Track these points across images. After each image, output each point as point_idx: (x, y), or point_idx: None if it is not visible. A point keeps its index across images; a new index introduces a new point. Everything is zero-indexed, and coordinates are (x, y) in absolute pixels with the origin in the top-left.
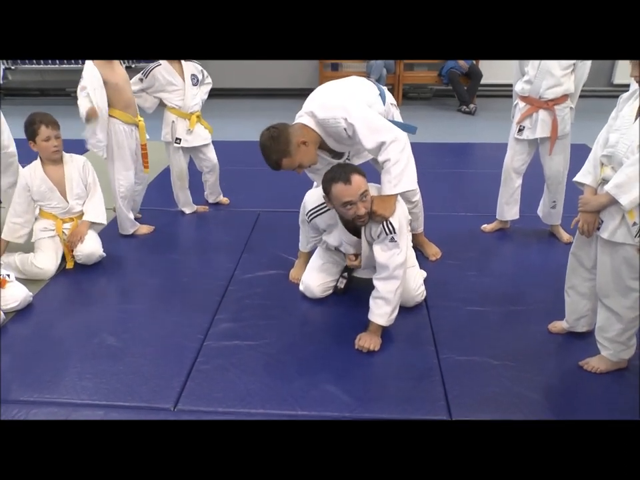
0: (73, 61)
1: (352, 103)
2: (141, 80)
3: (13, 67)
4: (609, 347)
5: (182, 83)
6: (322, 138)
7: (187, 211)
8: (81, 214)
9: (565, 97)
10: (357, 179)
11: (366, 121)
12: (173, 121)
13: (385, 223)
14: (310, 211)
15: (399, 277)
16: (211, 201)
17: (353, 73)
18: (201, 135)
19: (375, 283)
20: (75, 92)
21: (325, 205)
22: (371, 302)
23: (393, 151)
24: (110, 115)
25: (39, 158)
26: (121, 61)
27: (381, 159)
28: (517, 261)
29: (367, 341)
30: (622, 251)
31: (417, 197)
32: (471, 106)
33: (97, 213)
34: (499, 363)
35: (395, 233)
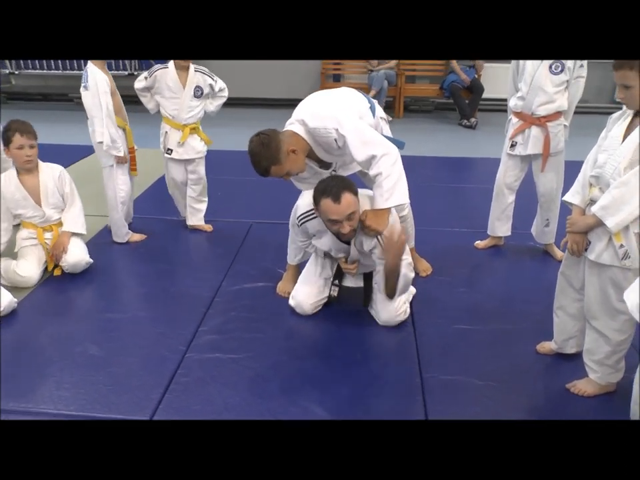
0: (75, 67)
1: (344, 114)
2: (145, 78)
3: (16, 72)
4: (596, 370)
5: (181, 91)
6: (311, 147)
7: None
8: (60, 222)
9: (557, 113)
10: (347, 198)
11: (358, 133)
12: (167, 132)
13: (378, 236)
14: (301, 215)
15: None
16: (189, 223)
17: (354, 84)
18: (194, 148)
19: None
20: (78, 97)
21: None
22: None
23: (385, 164)
24: None
25: (13, 166)
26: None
27: (372, 172)
28: (509, 278)
29: (372, 220)
30: (609, 273)
31: (406, 211)
32: (472, 120)
33: (76, 223)
34: (484, 383)
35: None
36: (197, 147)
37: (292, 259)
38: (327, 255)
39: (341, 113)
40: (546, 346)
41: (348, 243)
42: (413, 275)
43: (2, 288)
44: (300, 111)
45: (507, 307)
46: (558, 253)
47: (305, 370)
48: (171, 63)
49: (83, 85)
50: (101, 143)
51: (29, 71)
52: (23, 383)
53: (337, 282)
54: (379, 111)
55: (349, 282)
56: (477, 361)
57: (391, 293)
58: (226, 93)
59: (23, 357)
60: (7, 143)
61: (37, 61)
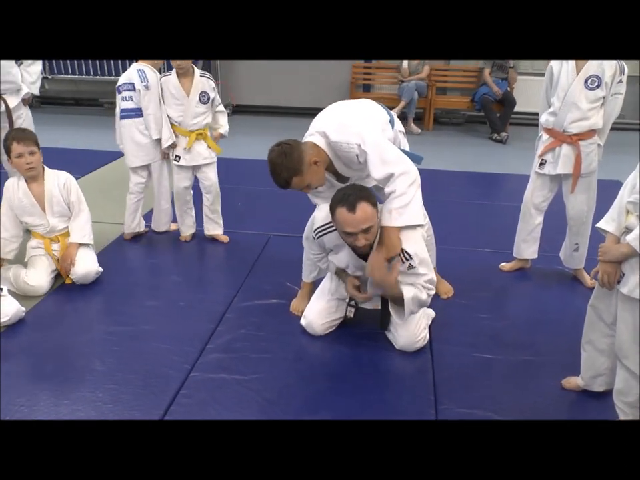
0: (106, 72)
1: (367, 129)
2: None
3: (50, 77)
4: (628, 413)
5: (185, 98)
6: (331, 160)
7: (184, 232)
8: (67, 232)
9: (591, 132)
10: (363, 209)
11: (379, 150)
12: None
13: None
14: (318, 228)
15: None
16: (207, 233)
17: (384, 94)
18: (201, 154)
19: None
20: (108, 102)
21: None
22: (384, 206)
23: (401, 183)
24: None
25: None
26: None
27: (387, 190)
28: (534, 305)
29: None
30: None
31: (426, 227)
32: (503, 134)
33: (84, 233)
34: (502, 419)
35: (412, 258)
36: (203, 152)
37: (306, 276)
38: (341, 274)
39: (364, 128)
40: (572, 381)
41: (366, 259)
42: (425, 296)
43: (10, 297)
44: (320, 123)
45: (532, 336)
46: (588, 279)
47: (312, 395)
48: (174, 71)
49: (143, 84)
50: (158, 139)
51: (62, 75)
52: (21, 396)
53: (353, 302)
54: (398, 124)
55: (366, 305)
56: (496, 394)
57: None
58: (223, 108)
59: (24, 370)
60: (8, 152)
61: (69, 66)
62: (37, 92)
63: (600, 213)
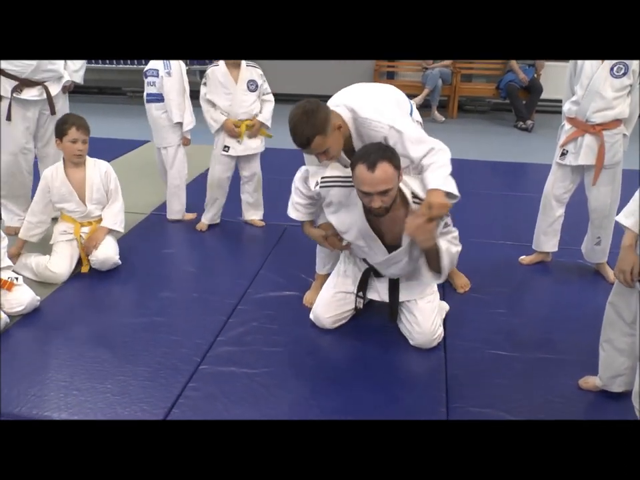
0: (128, 61)
1: (399, 113)
2: (205, 84)
3: None
4: None
5: (234, 86)
6: (351, 136)
7: (208, 221)
8: (100, 218)
9: (616, 121)
10: (384, 169)
11: (414, 130)
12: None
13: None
14: (327, 177)
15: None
16: (247, 217)
17: (408, 82)
18: (251, 145)
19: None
20: (131, 91)
21: (347, 178)
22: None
23: (442, 156)
24: None
25: (62, 159)
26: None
27: (426, 161)
28: (553, 300)
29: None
30: None
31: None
32: (528, 122)
33: (116, 220)
34: (515, 419)
35: (448, 216)
36: (252, 144)
37: (320, 268)
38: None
39: (395, 110)
40: (590, 381)
41: (375, 228)
42: (455, 249)
43: (25, 286)
44: (348, 97)
45: (549, 334)
46: (610, 274)
47: (322, 390)
48: (221, 61)
49: (165, 71)
50: (179, 123)
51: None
52: (31, 387)
53: (360, 294)
54: (416, 114)
55: (374, 295)
56: (510, 393)
57: (437, 271)
58: (272, 97)
59: (36, 360)
60: (62, 134)
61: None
62: (80, 80)
63: (625, 206)
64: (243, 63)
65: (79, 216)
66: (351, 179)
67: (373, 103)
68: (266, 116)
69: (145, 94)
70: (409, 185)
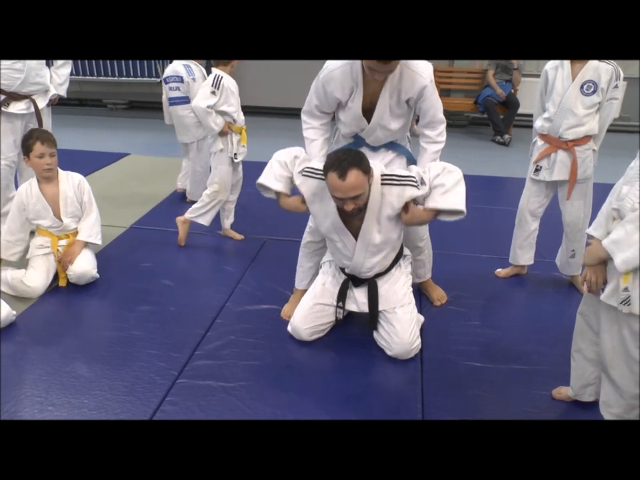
0: (109, 73)
1: None
2: (214, 93)
3: None
4: None
5: (237, 96)
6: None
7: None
8: (76, 231)
9: (587, 137)
10: (353, 176)
11: (440, 106)
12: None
13: (404, 180)
14: (310, 167)
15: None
16: (225, 226)
17: None
18: (246, 150)
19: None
20: (112, 103)
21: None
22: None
23: (444, 137)
24: None
25: (35, 176)
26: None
27: (436, 137)
28: (529, 312)
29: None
30: (623, 316)
31: (424, 242)
32: (506, 137)
33: (91, 232)
34: (488, 419)
35: (421, 181)
36: (246, 149)
37: (299, 282)
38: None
39: None
40: (563, 392)
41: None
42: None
43: (1, 301)
44: None
45: (524, 345)
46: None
47: (298, 403)
48: (221, 72)
49: (190, 77)
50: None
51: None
52: (5, 403)
53: (340, 304)
54: None
55: (352, 306)
56: (485, 403)
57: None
58: None
59: (11, 375)
60: (28, 151)
61: (72, 67)
62: (64, 94)
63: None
64: None
65: (56, 230)
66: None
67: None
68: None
69: (165, 97)
70: (377, 168)
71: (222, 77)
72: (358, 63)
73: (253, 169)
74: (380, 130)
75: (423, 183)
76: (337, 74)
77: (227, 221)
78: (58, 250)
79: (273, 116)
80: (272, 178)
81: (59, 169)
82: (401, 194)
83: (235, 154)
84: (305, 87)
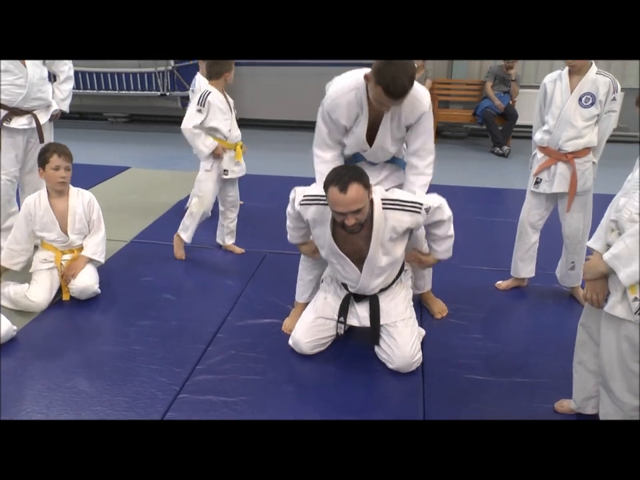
0: (110, 87)
1: None
2: (200, 111)
3: None
4: None
5: (229, 111)
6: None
7: (185, 238)
8: (81, 247)
9: (586, 150)
10: (354, 190)
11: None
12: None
13: (407, 205)
14: (308, 196)
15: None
16: (224, 243)
17: None
18: (244, 167)
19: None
20: (113, 116)
21: (323, 197)
22: (432, 245)
23: (432, 170)
24: None
25: (45, 188)
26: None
27: (424, 169)
28: (530, 324)
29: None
30: (624, 328)
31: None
32: (505, 148)
33: (97, 250)
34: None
35: (424, 205)
36: (243, 165)
37: (299, 296)
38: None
39: None
40: (565, 405)
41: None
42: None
43: (2, 316)
44: None
45: (526, 358)
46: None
47: (300, 417)
48: (210, 87)
49: (191, 89)
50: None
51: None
52: (9, 417)
53: (342, 319)
54: None
55: (354, 321)
56: (487, 416)
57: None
58: None
59: (11, 391)
60: (44, 163)
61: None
62: (66, 109)
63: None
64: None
65: (60, 245)
66: (324, 200)
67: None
68: None
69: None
70: (378, 193)
71: (208, 94)
72: (362, 88)
73: (252, 182)
74: (381, 151)
75: (427, 211)
76: (341, 101)
77: (227, 238)
78: (61, 264)
79: (269, 129)
80: (291, 235)
81: (71, 185)
82: (404, 219)
83: (225, 170)
84: (303, 100)
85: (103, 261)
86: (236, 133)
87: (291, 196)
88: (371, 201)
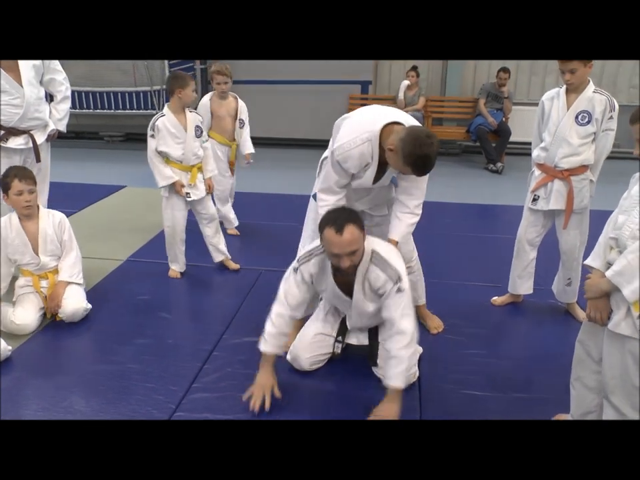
0: (106, 106)
1: None
2: (152, 136)
3: None
4: None
5: (184, 134)
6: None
7: (176, 268)
8: (56, 269)
9: (583, 167)
10: (350, 232)
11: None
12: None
13: (388, 267)
14: (303, 254)
15: (407, 331)
16: (216, 260)
17: None
18: (201, 187)
19: (383, 342)
20: (108, 136)
21: (319, 247)
22: (384, 364)
23: (420, 211)
24: (210, 136)
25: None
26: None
27: (413, 209)
28: (526, 340)
29: (385, 411)
30: (628, 345)
31: (414, 263)
32: (498, 164)
33: (72, 272)
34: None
35: (400, 280)
36: (201, 185)
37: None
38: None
39: None
40: (562, 419)
41: (349, 294)
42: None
43: None
44: (399, 116)
45: (523, 373)
46: (580, 314)
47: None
48: (166, 109)
49: None
50: None
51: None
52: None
53: (340, 338)
54: None
55: (353, 339)
56: None
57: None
58: (209, 145)
59: (9, 409)
60: (6, 189)
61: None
62: (63, 129)
63: (594, 247)
64: (186, 109)
65: (34, 268)
66: (322, 247)
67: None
68: (250, 145)
69: None
70: (370, 244)
71: (159, 117)
72: (375, 141)
73: (246, 199)
74: (379, 187)
75: (400, 280)
76: (354, 153)
77: (217, 255)
78: (41, 290)
79: (269, 147)
80: (262, 339)
81: (40, 207)
82: (379, 280)
83: (187, 193)
84: (301, 117)
85: (80, 282)
86: (192, 156)
87: (278, 300)
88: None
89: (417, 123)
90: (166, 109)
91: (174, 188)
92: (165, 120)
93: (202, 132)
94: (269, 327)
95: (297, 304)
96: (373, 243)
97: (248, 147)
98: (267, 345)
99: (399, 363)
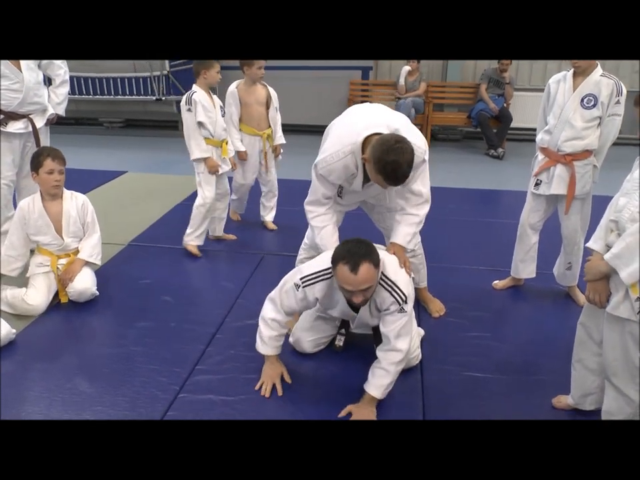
0: (105, 92)
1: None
2: (189, 110)
3: None
4: None
5: (214, 110)
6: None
7: (198, 243)
8: (77, 250)
9: (586, 152)
10: (365, 270)
11: (427, 177)
12: (212, 152)
13: (396, 290)
14: (305, 276)
15: (402, 349)
16: (217, 234)
17: None
18: (228, 162)
19: (378, 353)
20: (108, 121)
21: (326, 271)
22: (370, 371)
23: (425, 210)
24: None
25: (39, 192)
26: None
27: (410, 209)
28: (527, 323)
29: (359, 415)
30: (629, 327)
31: (417, 245)
32: (499, 150)
33: (92, 252)
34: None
35: (405, 302)
36: (228, 161)
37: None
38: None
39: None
40: (563, 400)
41: (357, 310)
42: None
43: (0, 319)
44: (388, 119)
45: (524, 355)
46: (581, 298)
47: (299, 415)
48: (196, 87)
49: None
50: None
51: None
52: (9, 418)
53: (342, 331)
54: None
55: (358, 329)
56: (485, 413)
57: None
58: None
59: (12, 392)
60: (37, 167)
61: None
62: (62, 113)
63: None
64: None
65: (56, 249)
66: (329, 271)
67: (413, 128)
68: (280, 136)
69: None
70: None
71: (193, 93)
72: (358, 152)
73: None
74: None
75: (406, 303)
76: (337, 167)
77: (219, 228)
78: (58, 269)
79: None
80: (259, 342)
81: (64, 188)
82: (386, 302)
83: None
84: (303, 103)
85: (99, 263)
86: (221, 131)
87: (272, 306)
88: None
89: (407, 122)
90: (196, 87)
91: (207, 165)
92: (198, 95)
93: (224, 114)
94: (265, 331)
95: (293, 312)
96: (382, 264)
97: (278, 138)
98: (267, 347)
99: (385, 375)
